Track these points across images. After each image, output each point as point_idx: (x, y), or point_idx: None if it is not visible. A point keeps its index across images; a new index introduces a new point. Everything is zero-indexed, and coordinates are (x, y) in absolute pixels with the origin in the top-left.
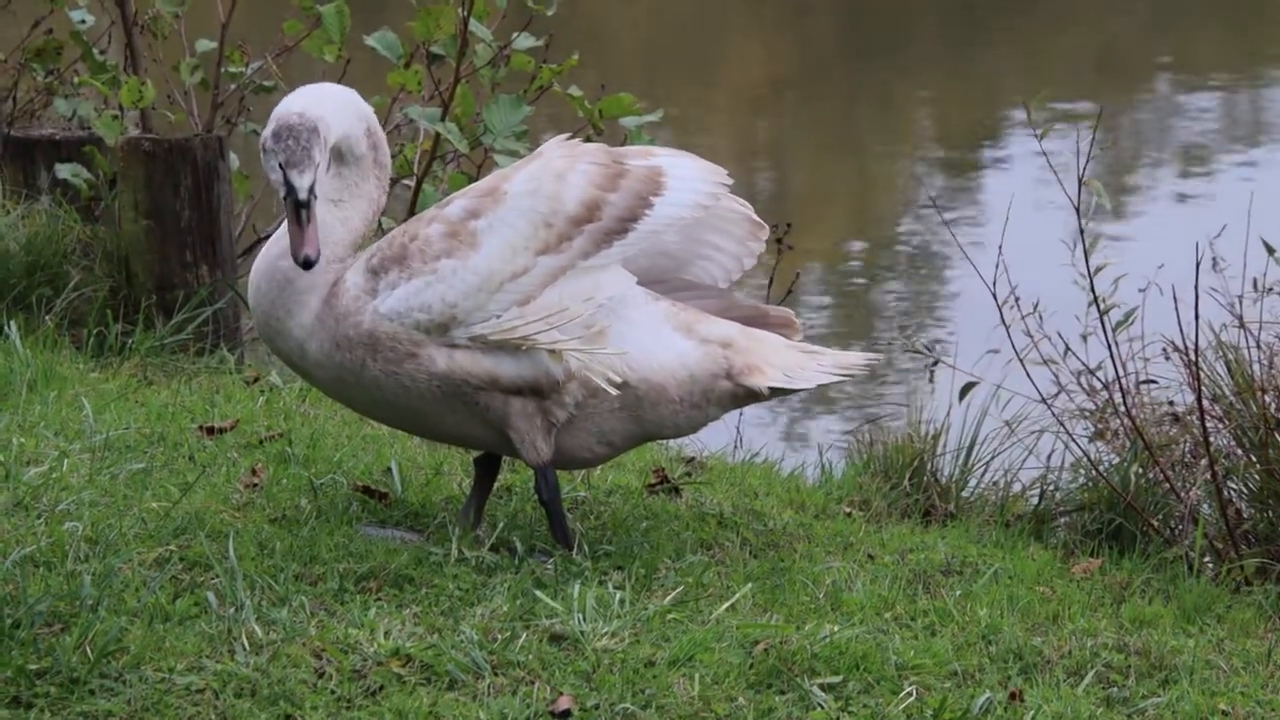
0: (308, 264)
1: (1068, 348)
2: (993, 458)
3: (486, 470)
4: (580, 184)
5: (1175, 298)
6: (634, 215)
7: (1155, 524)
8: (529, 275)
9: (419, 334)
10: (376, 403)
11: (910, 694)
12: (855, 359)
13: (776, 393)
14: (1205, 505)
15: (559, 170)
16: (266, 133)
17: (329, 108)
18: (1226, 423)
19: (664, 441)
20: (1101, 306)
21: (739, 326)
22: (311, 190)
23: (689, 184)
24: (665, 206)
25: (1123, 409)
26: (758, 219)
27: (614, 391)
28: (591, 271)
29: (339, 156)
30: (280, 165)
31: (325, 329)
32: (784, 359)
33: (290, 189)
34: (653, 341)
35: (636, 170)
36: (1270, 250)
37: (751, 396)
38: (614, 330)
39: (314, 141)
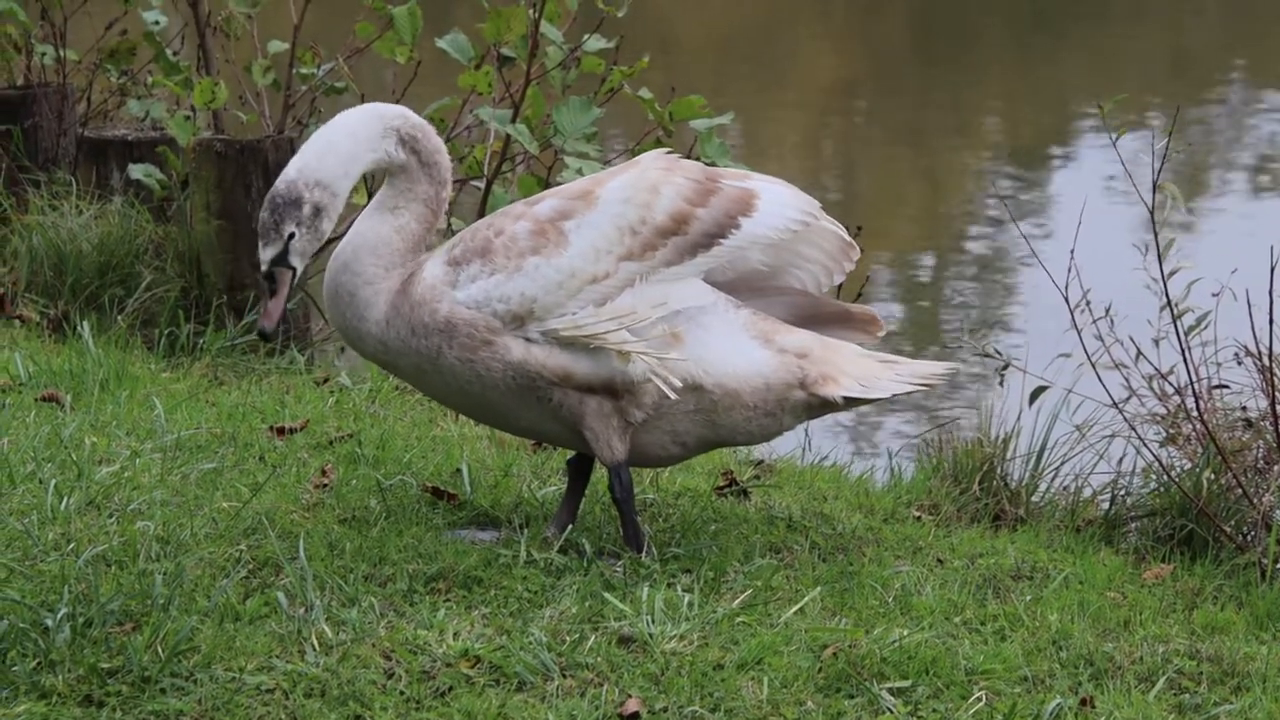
0: (263, 336)
1: (1139, 352)
2: (1063, 462)
3: (580, 473)
4: (671, 196)
5: (1249, 302)
6: (721, 232)
7: (1227, 530)
8: (610, 279)
9: (495, 322)
10: (454, 391)
11: (980, 699)
12: (933, 369)
13: (851, 403)
14: (1278, 511)
15: (653, 182)
16: None
17: (330, 163)
18: None
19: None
20: (1175, 311)
21: (817, 337)
22: (276, 261)
23: (779, 208)
24: (752, 226)
25: (1195, 414)
26: (851, 239)
27: (673, 395)
28: (670, 280)
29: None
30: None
31: (401, 317)
32: (860, 369)
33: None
34: (729, 348)
35: (729, 190)
36: None
37: (826, 406)
38: (690, 336)
39: (286, 214)
